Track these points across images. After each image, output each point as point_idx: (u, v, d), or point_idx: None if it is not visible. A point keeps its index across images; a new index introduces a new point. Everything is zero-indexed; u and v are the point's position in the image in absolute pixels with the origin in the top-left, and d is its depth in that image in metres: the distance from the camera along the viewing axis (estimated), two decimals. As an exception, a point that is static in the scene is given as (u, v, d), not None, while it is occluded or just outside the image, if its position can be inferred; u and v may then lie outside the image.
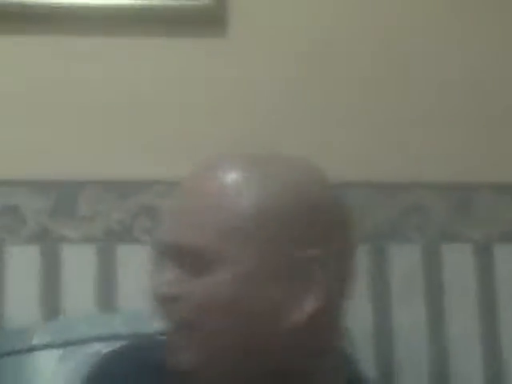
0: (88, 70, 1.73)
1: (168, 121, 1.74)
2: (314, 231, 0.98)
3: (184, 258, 0.97)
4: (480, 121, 1.78)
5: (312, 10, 1.77)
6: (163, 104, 1.74)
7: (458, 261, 1.74)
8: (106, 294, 1.67)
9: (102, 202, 1.70)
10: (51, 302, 1.66)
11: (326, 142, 1.74)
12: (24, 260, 1.67)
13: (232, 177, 0.98)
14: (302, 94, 1.76)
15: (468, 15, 1.81)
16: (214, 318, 0.94)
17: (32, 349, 1.38)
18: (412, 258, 1.74)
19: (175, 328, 0.97)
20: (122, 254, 1.69)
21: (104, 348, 1.24)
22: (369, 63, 1.78)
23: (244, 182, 0.98)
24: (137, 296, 1.64)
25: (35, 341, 1.40)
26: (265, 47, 1.76)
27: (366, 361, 1.66)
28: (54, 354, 1.38)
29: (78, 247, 1.68)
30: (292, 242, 0.97)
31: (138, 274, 1.66)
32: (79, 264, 1.68)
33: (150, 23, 1.73)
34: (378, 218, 1.74)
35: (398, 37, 1.79)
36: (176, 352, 0.97)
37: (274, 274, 0.96)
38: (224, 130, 1.74)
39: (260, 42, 1.76)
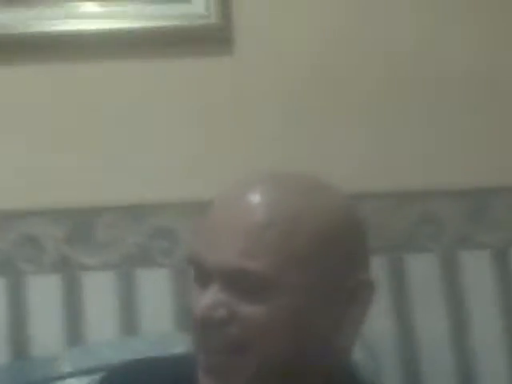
0: (97, 95, 1.75)
1: (177, 142, 1.74)
2: (364, 255, 1.00)
3: (236, 281, 0.95)
4: (491, 125, 1.79)
5: (318, 28, 1.78)
6: (172, 125, 1.75)
7: (476, 267, 1.74)
8: (128, 318, 1.67)
9: (117, 227, 1.71)
10: (74, 329, 1.67)
11: (335, 155, 1.75)
12: (46, 289, 1.68)
13: (293, 201, 0.97)
14: (308, 110, 1.77)
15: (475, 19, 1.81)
16: (270, 343, 0.94)
17: (60, 377, 1.39)
18: (430, 267, 1.74)
19: (221, 351, 0.95)
20: (141, 278, 1.69)
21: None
22: (376, 74, 1.78)
23: (306, 207, 0.97)
24: (158, 319, 1.65)
25: (63, 368, 1.40)
26: (271, 65, 1.77)
27: (391, 373, 1.67)
28: (83, 381, 1.39)
29: (98, 274, 1.69)
30: (349, 267, 0.97)
31: (158, 296, 1.67)
32: (99, 290, 1.68)
33: (155, 45, 1.74)
34: (393, 229, 1.75)
35: (403, 49, 1.79)
36: (219, 375, 0.96)
37: (331, 300, 0.96)
38: (232, 149, 1.74)
39: (266, 60, 1.77)
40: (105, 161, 1.73)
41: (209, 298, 0.95)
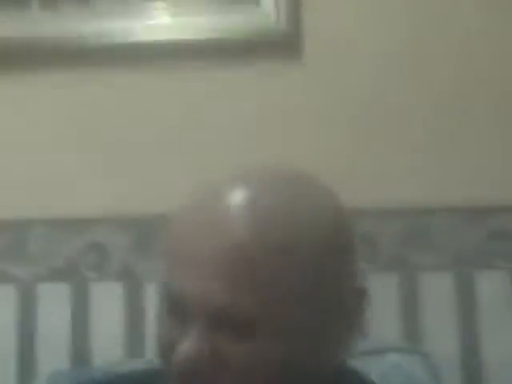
0: (164, 105, 1.75)
1: (248, 148, 1.72)
2: (356, 263, 0.89)
3: (224, 319, 0.81)
4: None
5: (388, 33, 1.75)
6: (243, 132, 1.74)
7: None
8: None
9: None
10: (136, 340, 1.67)
11: (405, 168, 1.72)
12: (109, 297, 1.69)
13: (287, 218, 0.82)
14: (378, 117, 1.74)
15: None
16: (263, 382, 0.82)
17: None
18: (499, 285, 1.69)
19: None
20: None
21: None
22: (449, 78, 1.74)
23: (302, 225, 0.82)
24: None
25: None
26: (340, 70, 1.75)
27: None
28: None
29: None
30: (344, 281, 0.86)
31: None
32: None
33: (224, 52, 1.74)
34: (462, 244, 1.71)
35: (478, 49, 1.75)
36: None
37: (326, 323, 0.85)
38: (303, 156, 1.72)
39: (335, 65, 1.75)
40: (168, 170, 1.73)
41: (193, 341, 0.82)
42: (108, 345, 1.66)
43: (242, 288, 0.80)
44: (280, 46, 1.74)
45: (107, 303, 1.69)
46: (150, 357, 1.57)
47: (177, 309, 0.84)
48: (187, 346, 0.82)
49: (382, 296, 1.67)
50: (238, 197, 0.82)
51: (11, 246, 1.72)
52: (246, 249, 0.80)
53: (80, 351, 1.66)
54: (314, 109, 1.74)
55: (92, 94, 1.76)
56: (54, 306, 1.68)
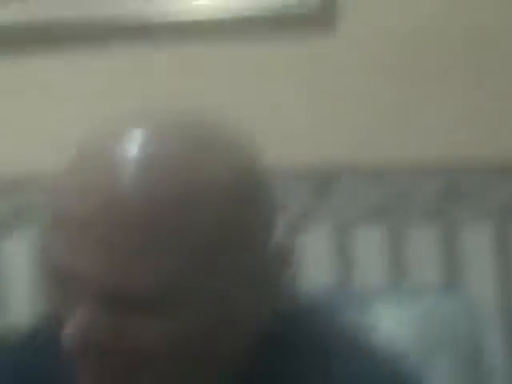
0: (202, 79, 1.78)
1: (283, 123, 1.75)
2: (274, 216, 0.77)
3: (122, 297, 0.70)
4: None
5: (423, 7, 1.76)
6: (278, 106, 1.76)
7: None
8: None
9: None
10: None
11: (438, 127, 1.75)
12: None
13: (185, 179, 0.69)
14: (411, 94, 1.76)
15: None
16: (172, 364, 0.72)
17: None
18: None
19: (109, 377, 0.72)
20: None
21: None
22: (481, 54, 1.77)
23: (204, 186, 0.70)
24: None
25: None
26: (375, 45, 1.76)
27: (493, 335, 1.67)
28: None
29: None
30: (259, 241, 0.74)
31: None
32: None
33: (257, 27, 1.76)
34: (498, 198, 1.74)
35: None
36: None
37: (240, 289, 0.73)
38: (338, 130, 1.77)
39: (370, 41, 1.76)
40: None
41: (84, 318, 0.70)
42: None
43: (135, 262, 0.69)
44: (314, 20, 1.76)
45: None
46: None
47: (62, 281, 0.72)
48: (79, 316, 0.71)
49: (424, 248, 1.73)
50: (126, 148, 0.70)
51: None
52: (137, 213, 0.68)
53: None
54: (347, 82, 1.76)
55: (130, 72, 1.78)
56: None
